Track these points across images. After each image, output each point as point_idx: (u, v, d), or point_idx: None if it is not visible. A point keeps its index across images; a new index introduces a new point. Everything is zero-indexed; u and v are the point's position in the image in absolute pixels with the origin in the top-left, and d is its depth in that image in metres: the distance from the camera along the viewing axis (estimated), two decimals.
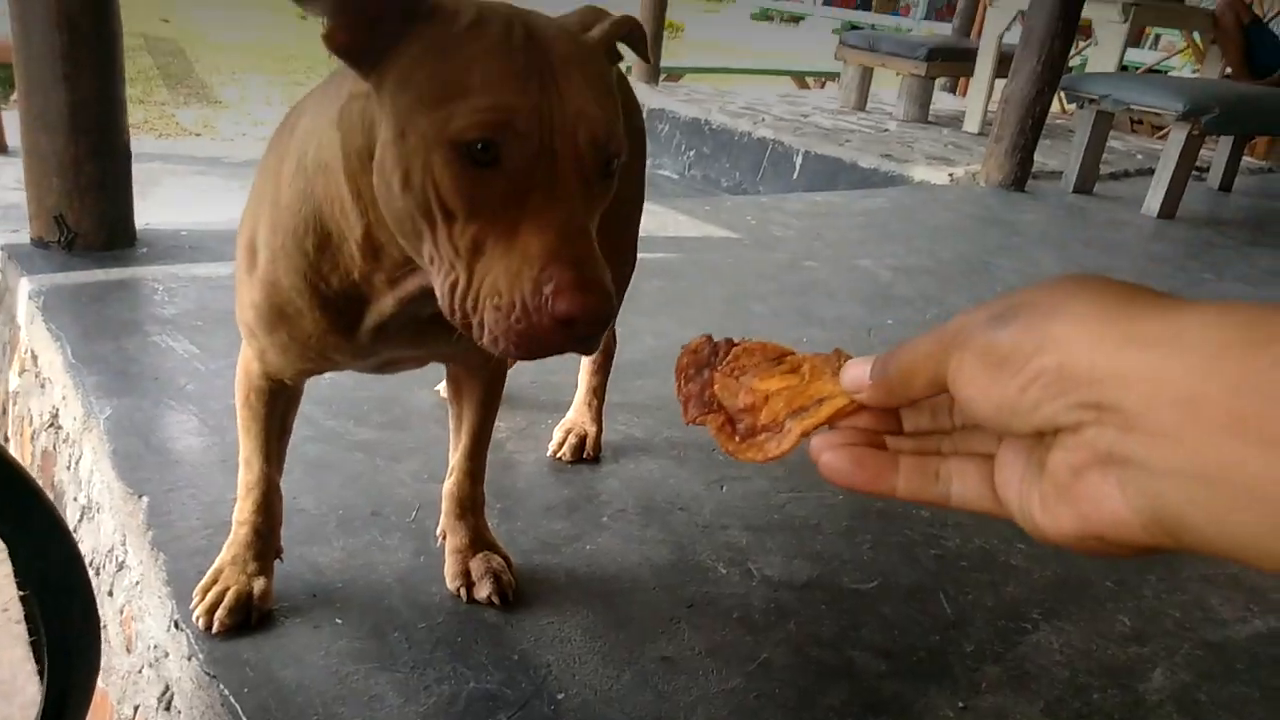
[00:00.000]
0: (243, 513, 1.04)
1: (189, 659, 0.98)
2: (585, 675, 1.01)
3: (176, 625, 1.02)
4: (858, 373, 0.42)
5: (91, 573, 1.26)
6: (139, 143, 2.25)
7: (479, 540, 1.13)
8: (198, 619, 1.00)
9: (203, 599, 1.01)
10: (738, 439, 0.46)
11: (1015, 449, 0.37)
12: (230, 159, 5.01)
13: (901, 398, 0.40)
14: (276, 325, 0.88)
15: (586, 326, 0.62)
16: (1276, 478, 0.27)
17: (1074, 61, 6.57)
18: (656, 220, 2.89)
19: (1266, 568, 0.29)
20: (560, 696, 0.97)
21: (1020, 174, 3.85)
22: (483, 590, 1.08)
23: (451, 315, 0.68)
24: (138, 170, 2.13)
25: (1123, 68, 4.91)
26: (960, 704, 1.05)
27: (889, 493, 0.43)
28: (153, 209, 2.30)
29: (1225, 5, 4.66)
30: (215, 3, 11.73)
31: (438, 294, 0.69)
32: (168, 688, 1.02)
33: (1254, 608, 1.30)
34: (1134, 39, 8.12)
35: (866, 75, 5.65)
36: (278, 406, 1.01)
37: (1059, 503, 0.34)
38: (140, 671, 1.10)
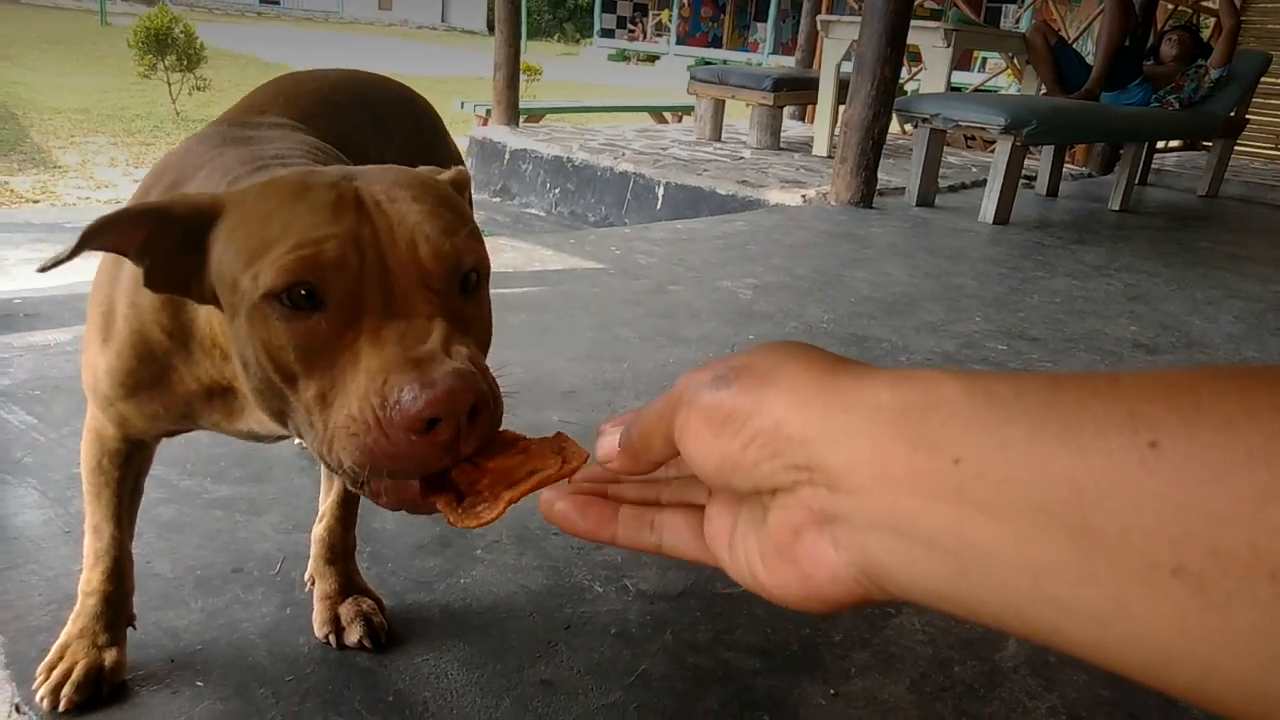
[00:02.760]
0: (90, 583, 0.98)
1: None
2: (464, 708, 1.00)
3: (17, 709, 0.96)
4: (608, 442, 0.42)
5: None
6: None
7: (349, 585, 1.11)
8: (42, 699, 0.94)
9: (47, 677, 0.95)
10: (460, 510, 0.51)
11: (724, 503, 0.39)
12: (72, 224, 4.75)
13: (646, 462, 0.40)
14: (135, 392, 0.84)
15: (455, 420, 0.53)
16: (948, 528, 0.29)
17: (910, 85, 7.00)
18: (522, 255, 2.91)
19: (968, 618, 0.31)
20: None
21: (866, 191, 4.07)
22: (353, 635, 1.06)
23: (325, 462, 0.61)
24: None
25: (953, 89, 5.26)
26: (832, 691, 1.09)
27: (609, 540, 0.44)
28: None
29: (1034, 29, 5.08)
30: (46, 67, 11.14)
31: (310, 449, 0.63)
32: None
33: None
34: (963, 63, 8.70)
35: (719, 108, 5.87)
36: (131, 469, 0.96)
37: (781, 563, 0.35)
38: None
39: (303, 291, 0.58)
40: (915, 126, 4.18)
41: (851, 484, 0.31)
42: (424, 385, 0.53)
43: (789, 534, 0.34)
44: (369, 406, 0.55)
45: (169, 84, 9.11)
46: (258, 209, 0.61)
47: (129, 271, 0.80)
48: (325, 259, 0.58)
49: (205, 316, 0.77)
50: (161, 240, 0.64)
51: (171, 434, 0.92)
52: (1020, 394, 0.29)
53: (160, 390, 0.83)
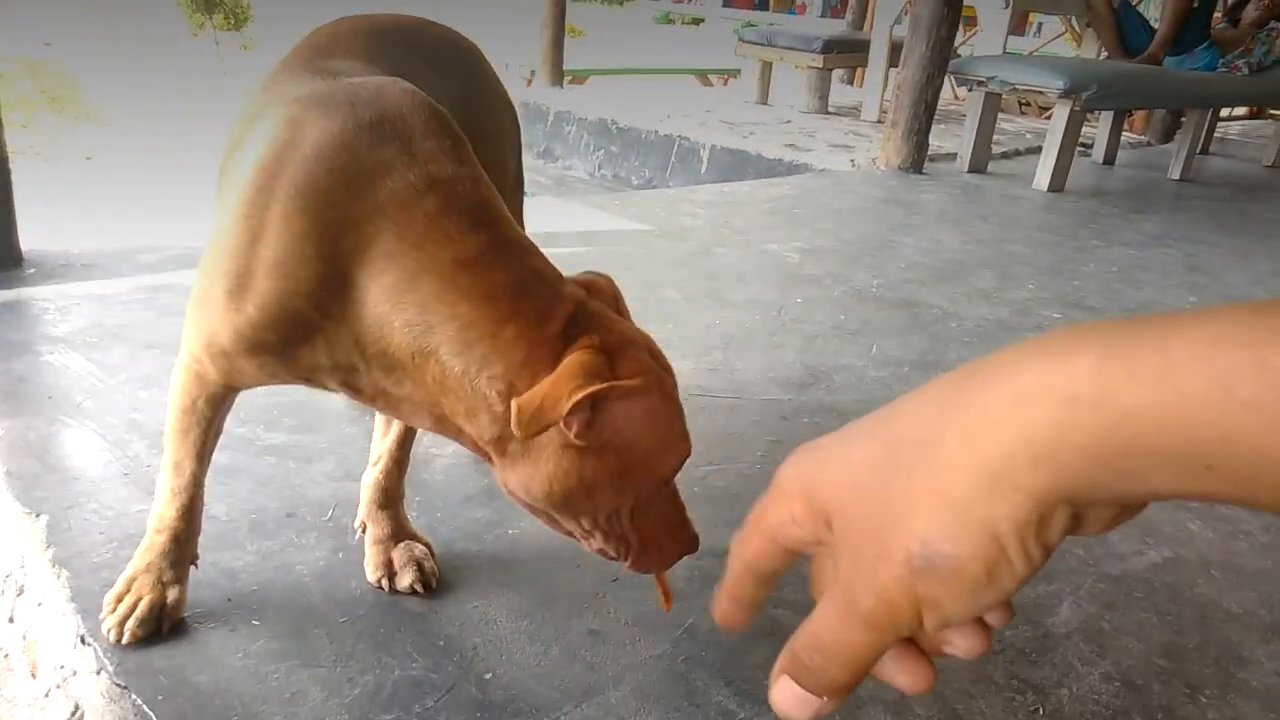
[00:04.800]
0: (163, 520, 1.00)
1: (98, 673, 0.94)
2: (512, 654, 1.01)
3: (83, 640, 0.98)
4: (789, 693, 0.37)
5: None
6: (28, 168, 2.15)
7: (401, 530, 1.12)
8: (108, 631, 0.96)
9: (114, 609, 0.97)
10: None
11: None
12: (128, 184, 4.83)
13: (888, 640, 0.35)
14: (259, 353, 0.84)
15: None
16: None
17: (963, 50, 6.82)
18: (566, 215, 2.90)
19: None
20: (488, 676, 0.97)
21: (917, 157, 3.98)
22: (405, 579, 1.07)
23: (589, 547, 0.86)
24: (34, 196, 2.04)
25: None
26: None
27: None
28: (56, 232, 2.20)
29: None
30: (99, 31, 11.27)
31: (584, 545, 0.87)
32: (77, 706, 0.98)
33: (1149, 540, 1.37)
34: (1019, 28, 8.46)
35: (767, 70, 5.77)
36: (223, 410, 0.97)
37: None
38: (47, 695, 1.06)
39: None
40: (969, 90, 4.08)
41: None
42: (695, 540, 0.88)
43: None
44: (675, 542, 0.88)
45: (216, 43, 9.18)
46: (659, 408, 0.80)
47: (277, 247, 0.80)
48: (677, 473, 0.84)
49: (378, 318, 0.79)
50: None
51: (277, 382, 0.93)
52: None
53: (286, 356, 0.84)
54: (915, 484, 0.32)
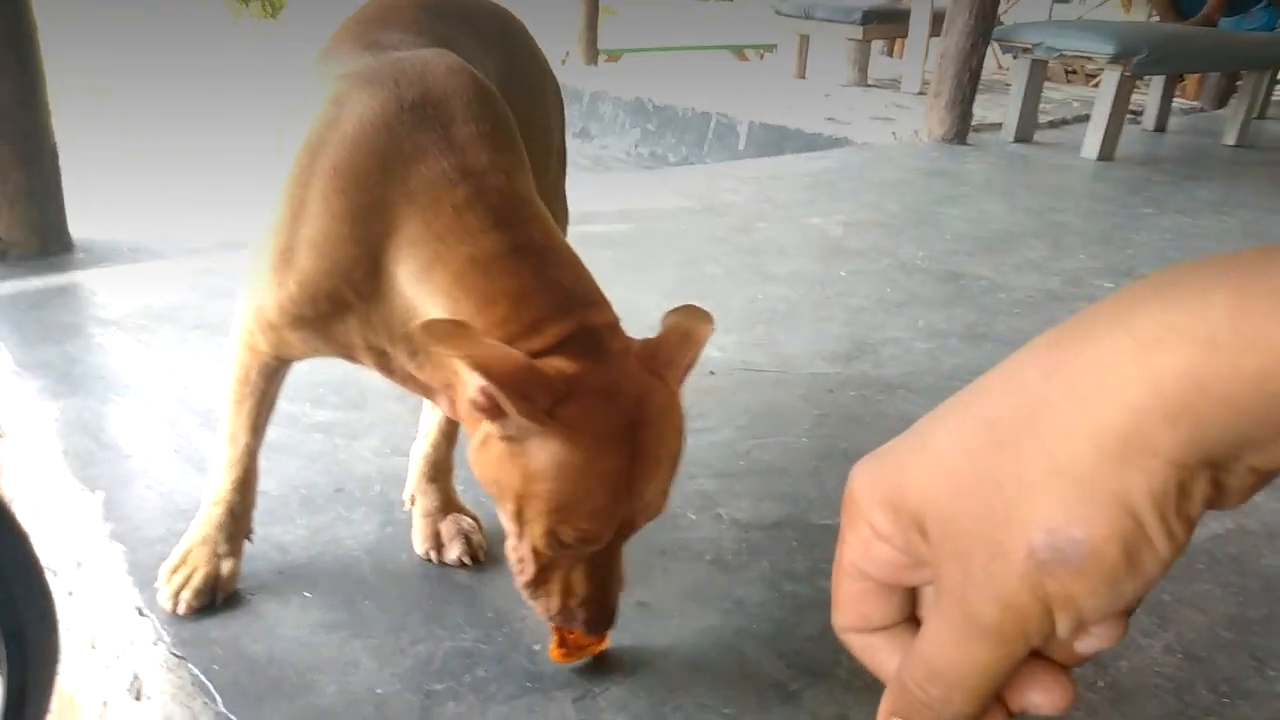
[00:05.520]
0: (219, 492, 1.01)
1: (155, 644, 0.96)
2: None
3: (140, 612, 1.00)
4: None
5: (49, 575, 1.23)
6: (75, 159, 2.19)
7: (449, 503, 1.12)
8: (164, 602, 0.98)
9: (170, 581, 0.99)
10: (563, 653, 0.93)
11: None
12: (170, 173, 4.90)
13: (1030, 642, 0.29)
14: (301, 327, 0.86)
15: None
16: None
17: (1005, 19, 6.66)
18: (604, 192, 2.88)
19: None
20: (537, 648, 0.97)
21: (961, 127, 3.90)
22: (453, 552, 1.07)
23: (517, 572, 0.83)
24: (79, 183, 2.07)
25: None
26: None
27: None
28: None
29: None
30: (135, 11, 11.43)
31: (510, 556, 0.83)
32: (136, 676, 1.00)
33: (1210, 512, 1.33)
34: None
35: (804, 44, 5.67)
36: (276, 382, 0.99)
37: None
38: (106, 666, 1.08)
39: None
40: (1015, 58, 3.98)
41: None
42: (597, 625, 0.83)
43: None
44: (565, 608, 0.82)
45: (248, 23, 9.27)
46: (590, 466, 0.73)
47: (316, 226, 0.81)
48: (599, 538, 0.77)
49: (406, 299, 0.79)
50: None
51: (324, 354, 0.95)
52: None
53: (325, 332, 0.86)
54: (1026, 465, 0.27)
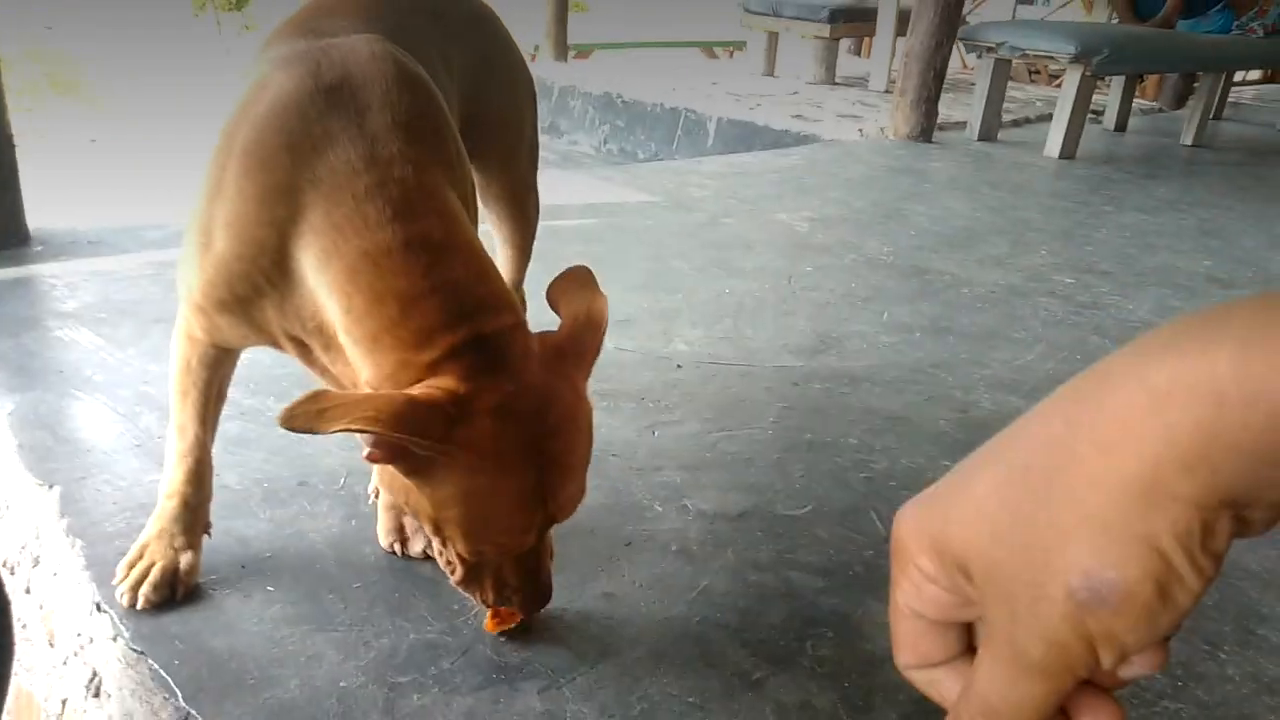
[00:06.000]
0: (172, 485, 1.00)
1: (114, 639, 0.95)
2: None
3: (99, 608, 0.98)
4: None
5: (5, 573, 1.21)
6: (34, 151, 2.14)
7: None
8: (122, 596, 0.96)
9: (127, 575, 0.97)
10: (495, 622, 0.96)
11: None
12: (139, 164, 4.82)
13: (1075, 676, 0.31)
14: (224, 311, 0.85)
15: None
16: None
17: (970, 19, 6.73)
18: (573, 188, 2.88)
19: None
20: (502, 639, 0.97)
21: (926, 125, 3.94)
22: (417, 545, 1.07)
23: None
24: (41, 177, 2.03)
25: None
26: None
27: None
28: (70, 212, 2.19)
29: None
30: (99, 13, 11.21)
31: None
32: (95, 673, 0.98)
33: None
34: None
35: (773, 41, 5.70)
36: (218, 372, 0.97)
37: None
38: (65, 663, 1.06)
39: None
40: (979, 57, 4.03)
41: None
42: (533, 606, 0.87)
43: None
44: (500, 597, 0.85)
45: (218, 24, 9.13)
46: (496, 485, 0.73)
47: (228, 207, 0.80)
48: (521, 543, 0.79)
49: (310, 289, 0.78)
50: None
51: (257, 344, 0.93)
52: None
53: (248, 319, 0.84)
54: (1059, 512, 0.30)
